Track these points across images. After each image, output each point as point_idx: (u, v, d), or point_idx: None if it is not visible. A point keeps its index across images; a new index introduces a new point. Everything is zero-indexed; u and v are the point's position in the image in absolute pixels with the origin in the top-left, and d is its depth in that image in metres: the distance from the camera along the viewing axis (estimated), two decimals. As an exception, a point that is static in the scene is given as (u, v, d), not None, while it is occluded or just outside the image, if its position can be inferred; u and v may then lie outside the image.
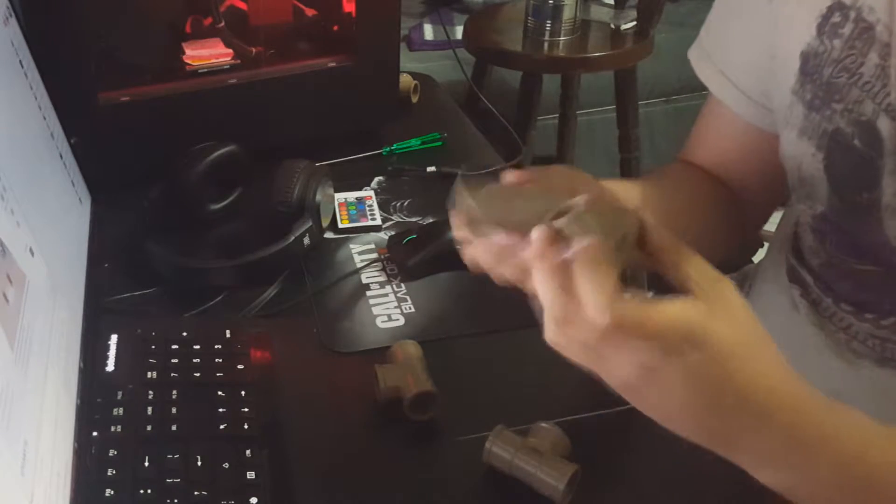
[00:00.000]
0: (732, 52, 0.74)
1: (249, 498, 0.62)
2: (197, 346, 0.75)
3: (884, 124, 0.60)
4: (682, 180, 0.79)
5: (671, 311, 0.46)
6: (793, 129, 0.67)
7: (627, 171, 2.01)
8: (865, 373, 0.68)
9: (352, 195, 1.01)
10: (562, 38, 1.75)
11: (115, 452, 0.63)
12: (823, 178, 0.65)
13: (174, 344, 0.75)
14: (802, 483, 0.50)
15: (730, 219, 0.78)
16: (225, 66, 1.04)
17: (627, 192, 0.65)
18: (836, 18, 0.62)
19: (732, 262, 0.82)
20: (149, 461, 0.63)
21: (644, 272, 0.54)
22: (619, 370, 0.48)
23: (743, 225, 0.79)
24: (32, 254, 0.63)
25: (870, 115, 0.60)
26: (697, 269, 0.48)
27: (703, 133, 0.81)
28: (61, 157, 0.81)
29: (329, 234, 0.95)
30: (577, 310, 0.46)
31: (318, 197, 0.90)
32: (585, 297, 0.45)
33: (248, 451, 0.65)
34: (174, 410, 0.68)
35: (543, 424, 0.67)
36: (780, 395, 0.49)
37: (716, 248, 0.72)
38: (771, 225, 0.85)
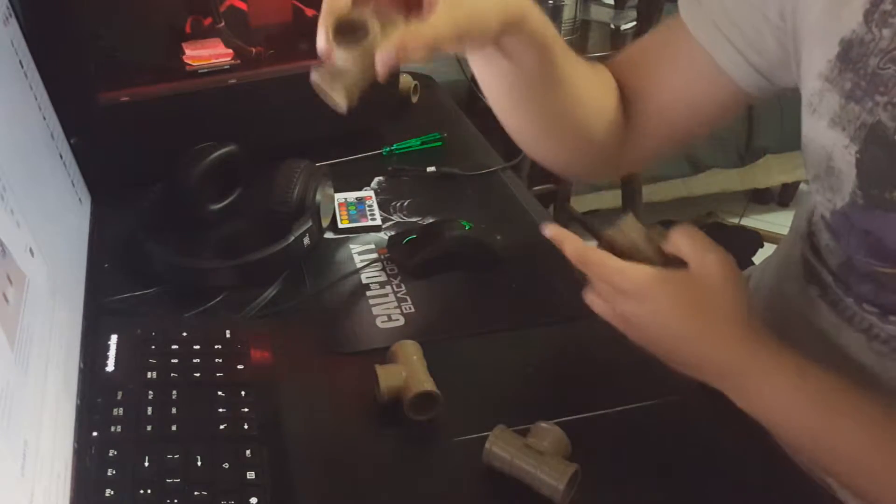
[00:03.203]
0: (731, 10, 0.72)
1: (249, 498, 0.62)
2: (197, 346, 0.75)
3: None
4: (592, 68, 0.79)
5: (626, 265, 0.64)
6: (821, 117, 0.65)
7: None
8: (888, 368, 0.68)
9: (352, 195, 1.01)
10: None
11: (115, 452, 0.63)
12: (853, 171, 0.63)
13: (174, 344, 0.75)
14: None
15: (616, 123, 0.79)
16: (225, 66, 1.04)
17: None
18: (888, 6, 0.60)
19: (597, 168, 0.85)
20: (149, 461, 0.63)
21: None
22: (603, 309, 0.67)
23: (622, 143, 0.79)
24: (32, 254, 0.63)
25: None
26: (691, 245, 0.64)
27: (650, 56, 0.79)
28: (61, 157, 0.81)
29: (329, 234, 0.95)
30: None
31: (318, 197, 0.90)
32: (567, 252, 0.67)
33: (248, 451, 0.65)
34: (174, 410, 0.68)
35: (543, 424, 0.67)
36: (720, 345, 0.64)
37: (588, 138, 0.78)
38: (772, 225, 0.85)
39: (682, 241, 0.65)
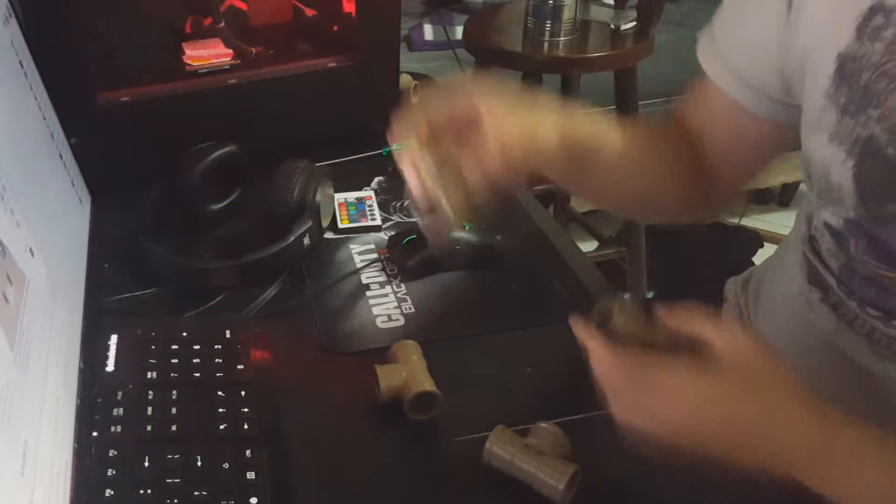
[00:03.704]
0: (745, 45, 0.73)
1: (249, 498, 0.62)
2: (197, 346, 0.75)
3: None
4: (648, 132, 0.80)
5: (651, 371, 0.57)
6: (822, 133, 0.65)
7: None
8: (890, 379, 0.68)
9: (352, 195, 1.01)
10: (562, 39, 1.74)
11: (115, 452, 0.63)
12: (852, 185, 0.63)
13: (174, 344, 0.75)
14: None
15: (686, 175, 0.78)
16: (225, 66, 1.04)
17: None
18: (879, 21, 0.60)
19: (687, 216, 0.86)
20: (149, 461, 0.63)
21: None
22: (632, 414, 0.59)
23: (702, 189, 0.79)
24: (32, 254, 0.63)
25: None
26: (711, 325, 0.58)
27: (694, 103, 0.80)
28: (61, 157, 0.81)
29: (329, 234, 0.95)
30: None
31: (318, 197, 0.90)
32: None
33: (248, 451, 0.65)
34: (174, 410, 0.68)
35: (543, 424, 0.67)
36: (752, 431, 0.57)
37: (662, 197, 0.80)
38: (772, 225, 0.85)
39: (698, 323, 0.59)
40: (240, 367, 0.74)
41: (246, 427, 0.68)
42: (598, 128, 0.73)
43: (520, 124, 0.66)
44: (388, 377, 0.71)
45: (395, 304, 0.85)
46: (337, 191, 0.98)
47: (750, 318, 0.85)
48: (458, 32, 1.90)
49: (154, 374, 0.72)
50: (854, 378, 0.70)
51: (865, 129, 0.61)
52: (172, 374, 0.72)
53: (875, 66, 0.60)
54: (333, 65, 1.07)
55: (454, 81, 0.67)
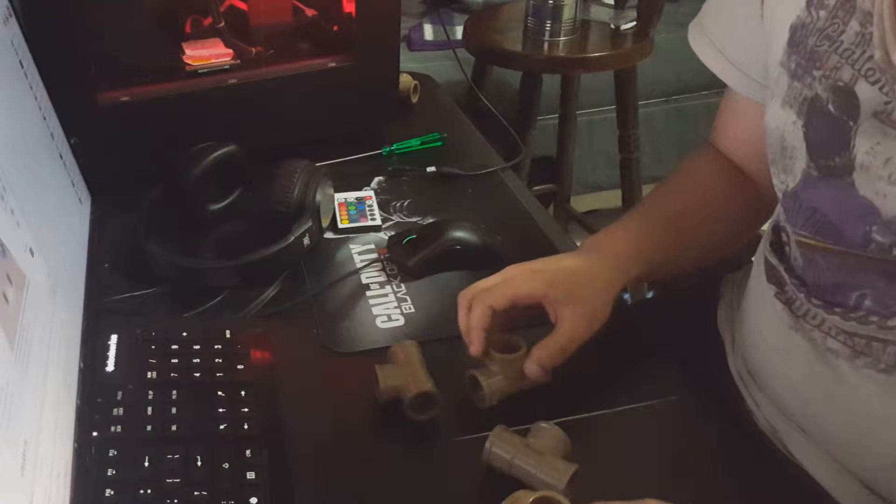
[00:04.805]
0: (728, 28, 0.79)
1: (249, 498, 0.62)
2: (197, 346, 0.75)
3: (862, 88, 0.61)
4: (688, 182, 0.87)
5: None
6: (777, 99, 0.69)
7: (627, 171, 2.01)
8: (845, 375, 0.68)
9: (352, 195, 1.01)
10: (562, 38, 1.74)
11: (115, 452, 0.63)
12: (802, 145, 0.67)
13: (174, 344, 0.75)
14: None
15: (748, 205, 0.84)
16: (225, 66, 1.04)
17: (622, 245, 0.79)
18: None
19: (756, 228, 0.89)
20: (149, 461, 0.63)
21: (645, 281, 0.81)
22: None
23: (765, 208, 0.82)
24: (32, 254, 0.63)
25: (847, 81, 0.62)
26: None
27: (721, 119, 0.86)
28: (61, 157, 0.81)
29: (329, 234, 0.95)
30: None
31: (318, 197, 0.90)
32: None
33: (248, 451, 0.66)
34: (174, 410, 0.68)
35: (543, 424, 0.67)
36: None
37: (736, 238, 0.88)
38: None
39: None
40: (240, 367, 0.74)
41: (246, 427, 0.68)
42: (664, 227, 0.81)
43: (581, 311, 0.72)
44: (388, 377, 0.71)
45: (395, 304, 0.85)
46: (337, 191, 0.98)
47: (737, 317, 0.85)
48: (458, 32, 1.90)
49: (154, 374, 0.72)
50: (817, 378, 0.70)
51: (811, 90, 0.66)
52: (172, 374, 0.72)
53: (819, 31, 0.65)
54: (333, 65, 1.07)
55: (511, 272, 0.75)
